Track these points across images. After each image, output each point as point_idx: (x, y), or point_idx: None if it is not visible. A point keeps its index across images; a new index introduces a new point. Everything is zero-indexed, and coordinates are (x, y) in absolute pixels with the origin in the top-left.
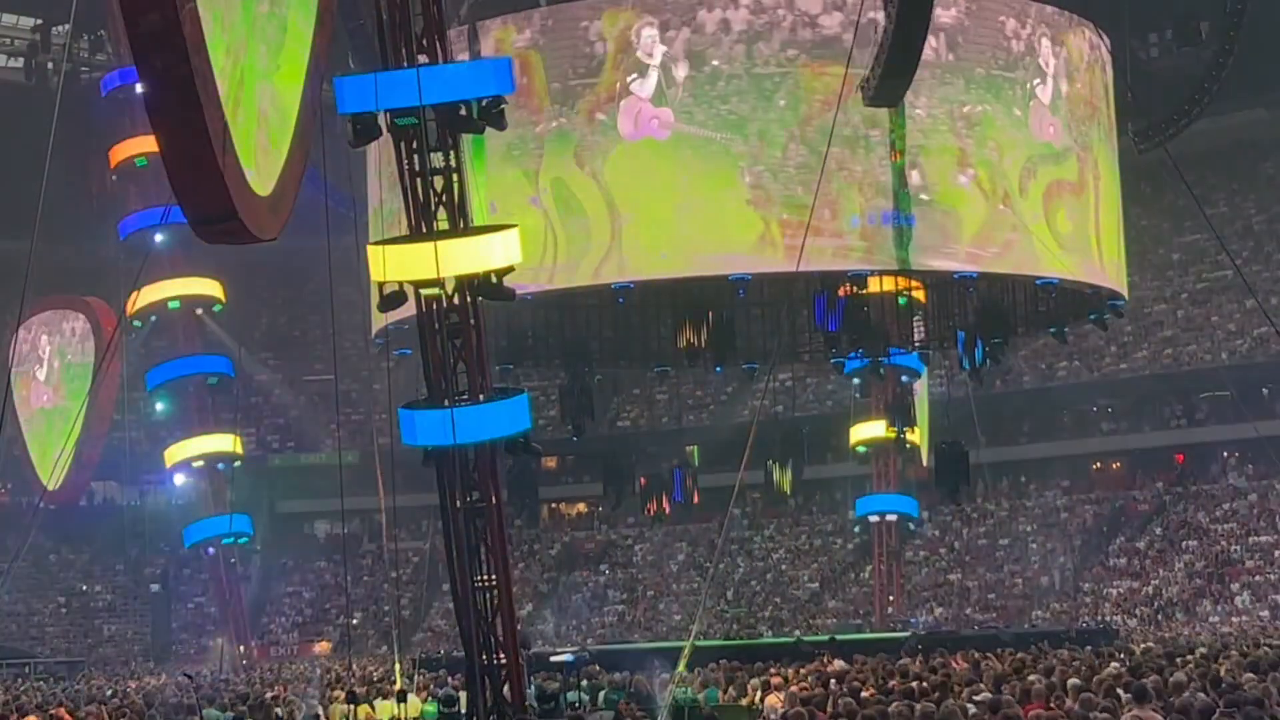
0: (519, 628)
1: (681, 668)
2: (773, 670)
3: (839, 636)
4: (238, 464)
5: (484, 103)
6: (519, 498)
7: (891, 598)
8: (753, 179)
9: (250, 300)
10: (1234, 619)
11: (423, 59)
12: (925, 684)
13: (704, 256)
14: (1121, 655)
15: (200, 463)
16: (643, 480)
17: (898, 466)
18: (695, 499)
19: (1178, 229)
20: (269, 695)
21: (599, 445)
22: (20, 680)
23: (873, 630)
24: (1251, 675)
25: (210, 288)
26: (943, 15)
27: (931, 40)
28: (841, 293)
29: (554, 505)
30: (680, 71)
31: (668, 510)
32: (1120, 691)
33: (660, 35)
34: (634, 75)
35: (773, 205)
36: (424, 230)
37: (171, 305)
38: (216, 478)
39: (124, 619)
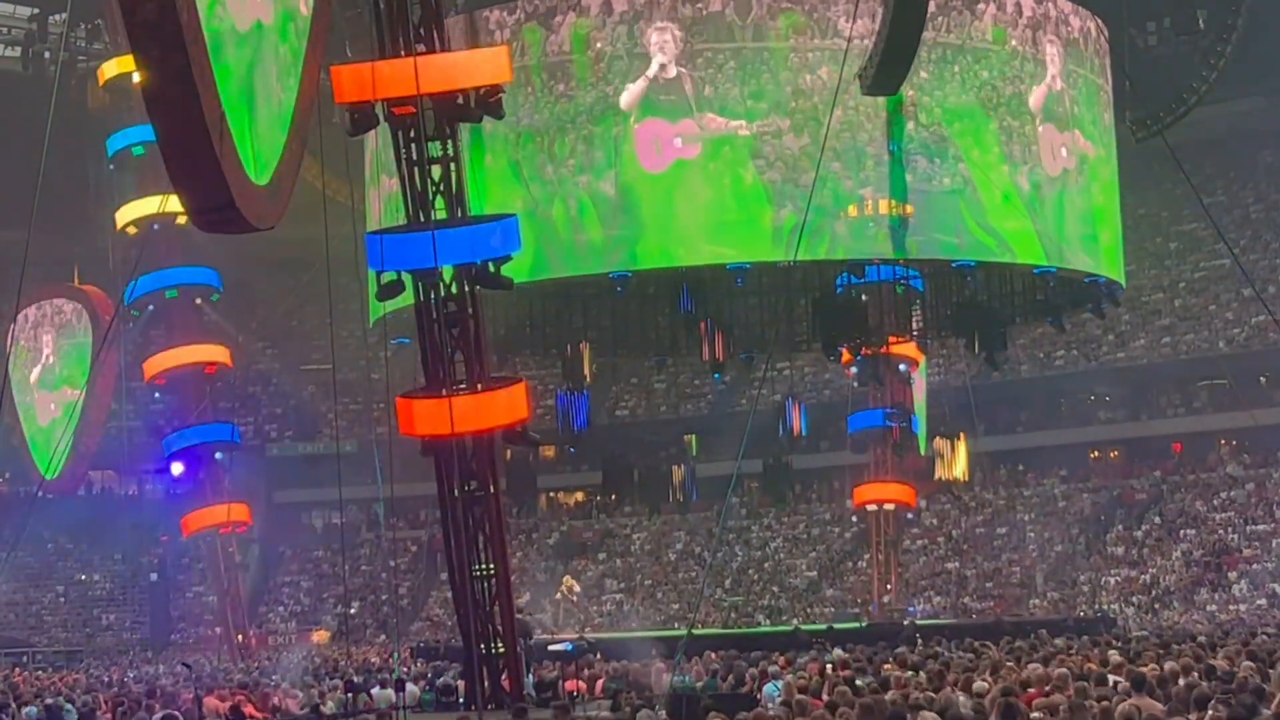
0: (520, 617)
1: (679, 657)
2: (771, 658)
3: (836, 625)
4: (226, 455)
5: (481, 91)
6: (517, 487)
7: (889, 587)
8: (756, 168)
9: (248, 289)
10: (1231, 607)
11: (420, 48)
12: (922, 673)
13: (704, 247)
14: (1119, 644)
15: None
16: None
17: (895, 456)
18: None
19: (1175, 218)
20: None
21: (597, 435)
22: (19, 669)
23: (870, 619)
24: (1249, 664)
25: (207, 277)
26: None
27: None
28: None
29: (552, 494)
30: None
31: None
32: (1118, 679)
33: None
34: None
35: (773, 193)
36: (422, 219)
37: (169, 294)
38: (214, 467)
39: (122, 608)
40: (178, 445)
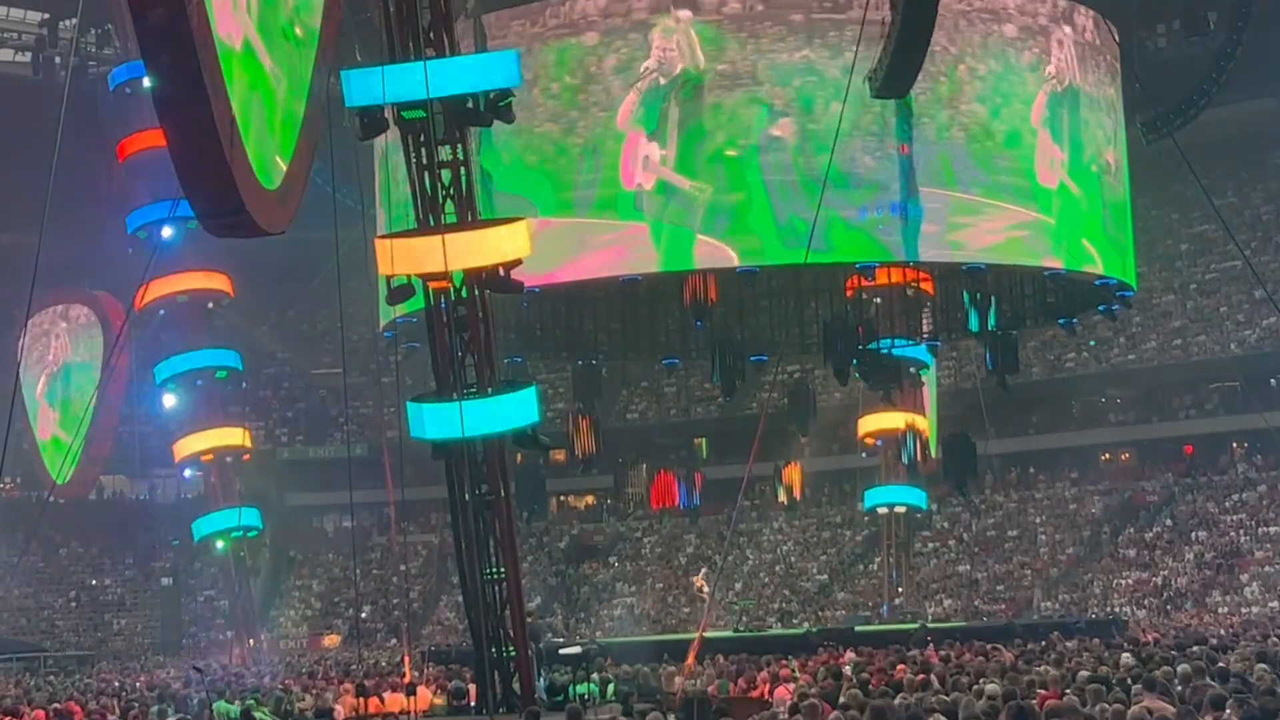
0: (529, 621)
1: (690, 660)
2: (782, 662)
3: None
4: (246, 457)
5: (491, 96)
6: (527, 491)
7: (900, 589)
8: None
9: (258, 294)
10: (1244, 610)
11: (430, 52)
12: (934, 675)
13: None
14: (1131, 646)
15: (209, 456)
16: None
17: (905, 466)
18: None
19: (1186, 220)
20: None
21: (608, 438)
22: (31, 674)
23: (881, 622)
24: (1262, 666)
25: (219, 281)
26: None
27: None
28: (849, 286)
29: (562, 498)
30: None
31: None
32: (1130, 681)
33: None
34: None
35: (785, 196)
36: (431, 223)
37: (180, 299)
38: (225, 471)
39: (134, 613)
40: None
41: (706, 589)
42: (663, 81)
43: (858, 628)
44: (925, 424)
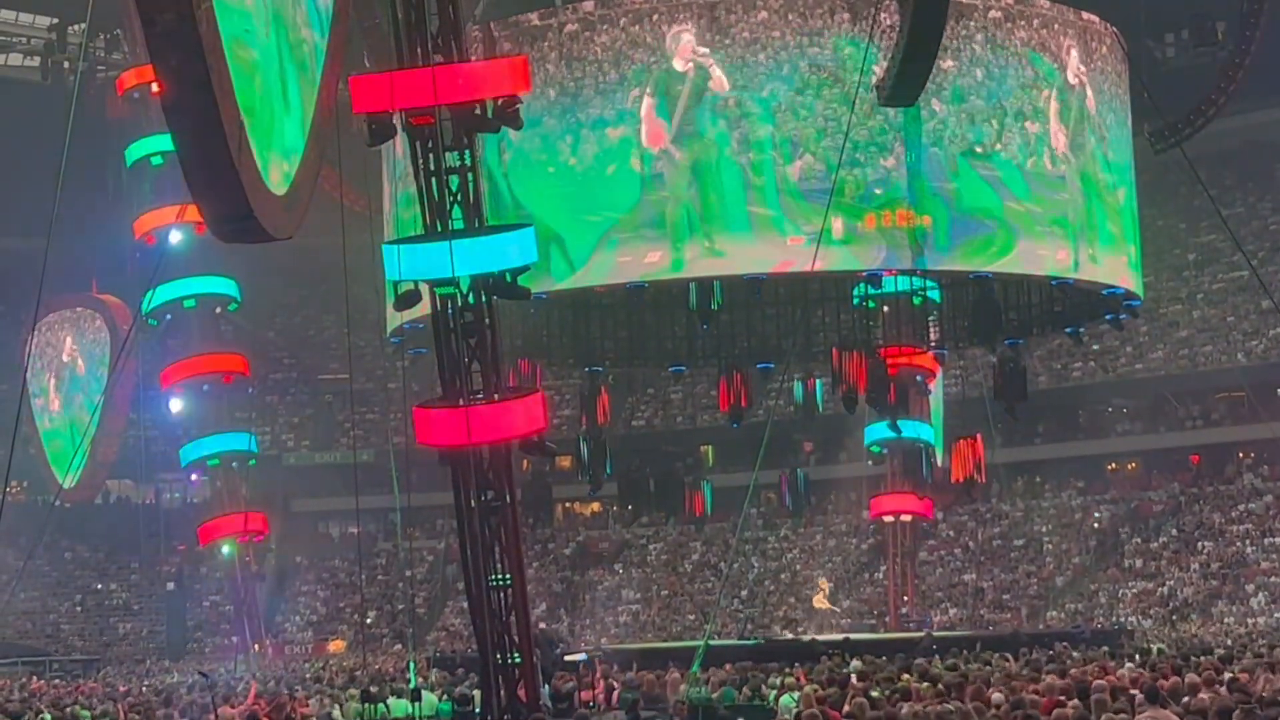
0: (544, 627)
1: (695, 668)
2: (787, 670)
3: (853, 637)
4: (253, 462)
5: (500, 102)
6: (533, 497)
7: (906, 598)
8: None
9: (266, 299)
10: (1249, 620)
11: (438, 58)
12: (940, 684)
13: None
14: (1136, 656)
15: (215, 461)
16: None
17: (907, 479)
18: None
19: (1193, 230)
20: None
21: (613, 445)
22: (36, 678)
23: (887, 630)
24: (1267, 676)
25: (226, 287)
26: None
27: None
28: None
29: (568, 504)
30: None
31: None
32: (1135, 692)
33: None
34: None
35: (790, 203)
36: (439, 229)
37: (187, 304)
38: (231, 476)
39: (139, 617)
40: (194, 455)
41: (828, 604)
42: None
43: (853, 636)
44: (931, 433)
